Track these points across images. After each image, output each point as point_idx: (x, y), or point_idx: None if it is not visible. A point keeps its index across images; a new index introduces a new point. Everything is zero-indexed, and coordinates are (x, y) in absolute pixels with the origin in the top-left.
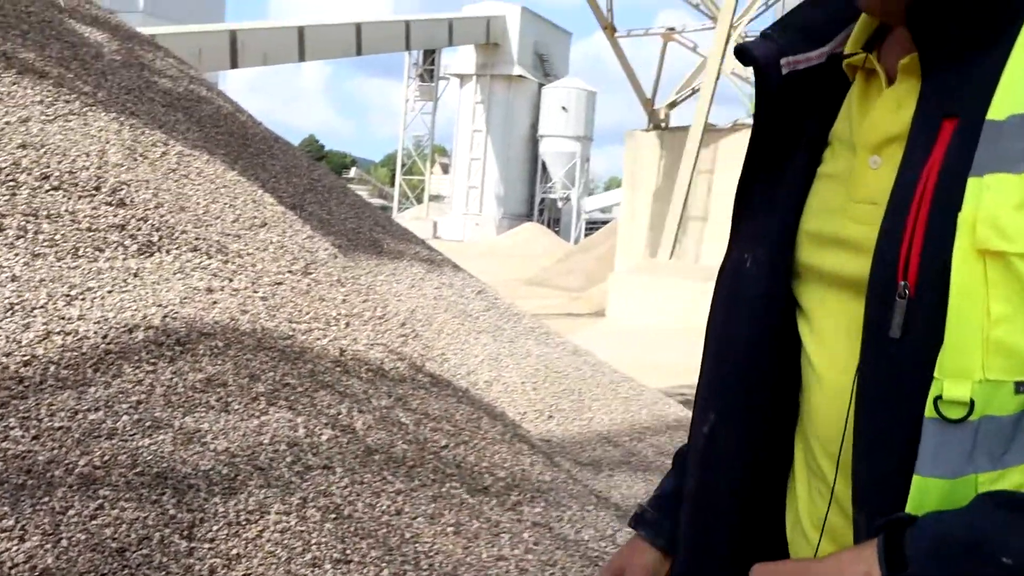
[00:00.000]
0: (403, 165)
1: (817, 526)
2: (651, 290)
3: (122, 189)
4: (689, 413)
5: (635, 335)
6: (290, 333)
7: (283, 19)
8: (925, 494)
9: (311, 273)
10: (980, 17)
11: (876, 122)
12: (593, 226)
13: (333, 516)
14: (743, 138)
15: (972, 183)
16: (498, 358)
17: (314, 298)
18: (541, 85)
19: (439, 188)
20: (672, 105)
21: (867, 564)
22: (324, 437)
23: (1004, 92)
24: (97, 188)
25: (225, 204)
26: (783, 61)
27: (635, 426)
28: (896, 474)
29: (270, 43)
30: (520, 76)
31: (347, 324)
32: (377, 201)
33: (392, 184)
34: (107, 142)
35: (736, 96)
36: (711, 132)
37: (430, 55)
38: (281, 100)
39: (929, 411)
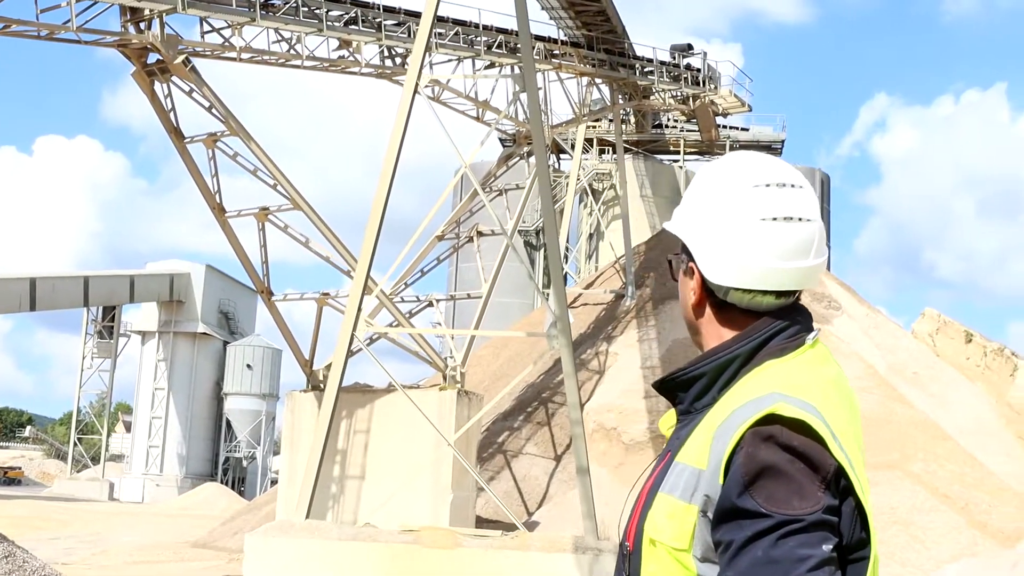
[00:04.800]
0: (80, 424)
1: None
2: (284, 551)
3: None
4: None
5: None
6: None
7: None
8: None
9: None
10: (695, 399)
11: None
12: None
13: None
14: (397, 399)
15: (658, 496)
16: None
17: None
18: (226, 343)
19: (121, 447)
20: (330, 366)
21: None
22: None
23: (686, 445)
24: None
25: None
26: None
27: None
28: None
29: None
30: (204, 334)
31: None
32: (53, 462)
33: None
34: None
35: (410, 355)
36: (368, 393)
37: (110, 311)
38: None
39: None
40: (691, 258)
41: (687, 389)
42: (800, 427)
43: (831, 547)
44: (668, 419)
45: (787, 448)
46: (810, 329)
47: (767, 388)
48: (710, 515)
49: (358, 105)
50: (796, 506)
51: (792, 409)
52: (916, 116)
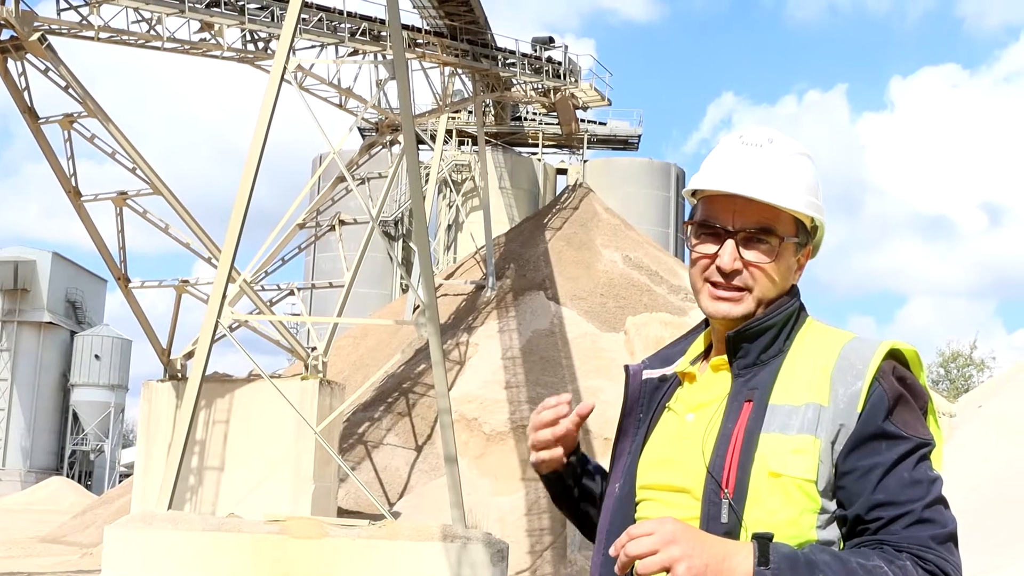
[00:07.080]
0: None
1: None
2: (146, 543)
3: None
4: None
5: None
6: None
7: None
8: None
9: None
10: (763, 350)
11: (691, 396)
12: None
13: None
14: (260, 388)
15: (762, 437)
16: None
17: None
18: (73, 333)
19: None
20: (189, 355)
21: (745, 553)
22: None
23: (778, 389)
24: None
25: None
26: (644, 375)
27: None
28: None
29: None
30: (50, 323)
31: None
32: None
33: None
34: None
35: (266, 346)
36: (227, 383)
37: None
38: None
39: None
40: (804, 232)
41: (754, 341)
42: (912, 360)
43: None
44: (710, 379)
45: (903, 380)
46: None
47: (844, 333)
48: (838, 445)
49: (205, 89)
50: (922, 432)
51: (906, 344)
52: (761, 115)
